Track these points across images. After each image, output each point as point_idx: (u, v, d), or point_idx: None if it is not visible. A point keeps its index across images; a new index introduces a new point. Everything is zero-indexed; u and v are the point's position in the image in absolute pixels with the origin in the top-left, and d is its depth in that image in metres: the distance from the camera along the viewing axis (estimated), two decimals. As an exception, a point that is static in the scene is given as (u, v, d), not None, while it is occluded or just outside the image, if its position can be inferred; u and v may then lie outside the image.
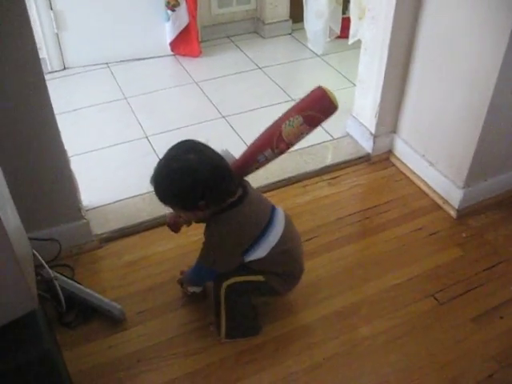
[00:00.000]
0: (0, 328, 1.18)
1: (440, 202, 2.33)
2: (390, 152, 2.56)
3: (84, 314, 1.89)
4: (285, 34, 3.59)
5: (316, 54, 3.37)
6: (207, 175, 1.51)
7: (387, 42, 2.24)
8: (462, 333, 1.85)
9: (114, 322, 1.86)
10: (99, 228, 2.15)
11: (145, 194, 2.28)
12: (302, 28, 3.44)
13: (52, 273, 1.87)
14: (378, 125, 2.46)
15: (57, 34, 3.09)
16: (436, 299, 1.95)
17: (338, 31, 3.30)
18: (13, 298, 1.19)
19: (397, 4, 2.15)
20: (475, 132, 2.08)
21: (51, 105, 1.76)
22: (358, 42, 2.73)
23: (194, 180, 1.51)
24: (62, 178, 1.94)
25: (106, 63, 3.21)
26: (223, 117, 2.77)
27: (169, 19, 3.09)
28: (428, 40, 2.20)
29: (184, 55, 3.27)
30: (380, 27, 2.26)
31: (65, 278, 1.93)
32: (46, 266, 1.86)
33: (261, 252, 1.64)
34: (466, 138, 2.14)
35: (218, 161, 1.56)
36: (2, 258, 1.13)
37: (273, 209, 1.70)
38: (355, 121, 2.60)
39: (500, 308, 1.93)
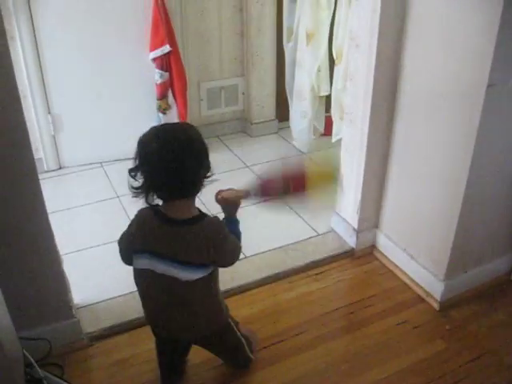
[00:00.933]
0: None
1: (423, 294, 2.39)
2: (374, 246, 2.65)
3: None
4: (271, 133, 3.76)
5: (302, 152, 3.52)
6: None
7: (365, 142, 2.38)
8: (448, 429, 1.88)
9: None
10: (90, 326, 2.19)
11: (135, 291, 2.34)
12: (288, 126, 3.61)
13: (41, 372, 1.89)
14: (360, 221, 2.56)
15: (53, 136, 3.24)
16: (421, 395, 1.98)
17: (321, 129, 3.47)
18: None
19: (372, 109, 2.31)
20: (451, 226, 2.17)
21: (45, 208, 1.86)
22: (341, 139, 2.86)
23: (204, 142, 1.73)
24: (53, 279, 2.01)
25: (100, 162, 3.35)
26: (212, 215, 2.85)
27: (160, 121, 3.23)
28: (402, 140, 2.34)
29: (176, 153, 3.39)
30: (358, 129, 2.40)
31: (54, 378, 1.95)
32: (36, 365, 1.89)
33: None
34: (443, 231, 2.23)
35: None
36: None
37: None
38: (339, 217, 2.70)
39: (485, 401, 1.96)
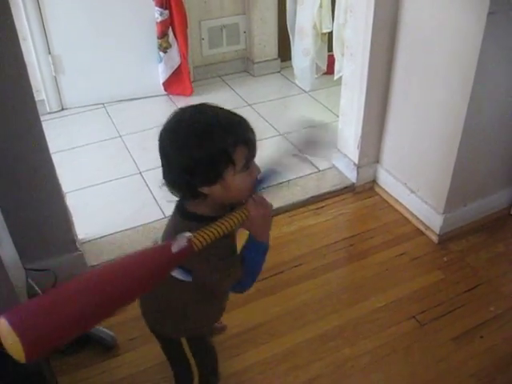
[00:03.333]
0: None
1: (422, 227, 2.41)
2: (374, 182, 2.66)
3: (78, 341, 1.95)
4: (274, 72, 3.73)
5: (304, 91, 3.49)
6: None
7: (365, 76, 2.36)
8: (443, 352, 1.92)
9: (106, 348, 1.92)
10: (94, 259, 2.24)
11: (138, 226, 2.38)
12: (290, 66, 3.58)
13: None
14: (360, 156, 2.56)
15: (55, 77, 3.22)
16: (417, 321, 2.02)
17: (324, 68, 3.43)
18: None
19: (372, 41, 2.28)
20: (451, 158, 2.18)
21: (46, 144, 1.87)
22: (343, 77, 2.85)
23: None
24: (56, 213, 2.04)
25: (102, 103, 3.34)
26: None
27: (161, 61, 3.23)
28: (403, 74, 2.32)
29: (177, 94, 3.39)
30: (358, 63, 2.38)
31: (59, 308, 2.01)
32: (41, 293, 1.94)
33: None
34: (442, 164, 2.23)
35: None
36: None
37: None
38: (340, 153, 2.71)
39: (480, 328, 2.00)
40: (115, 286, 1.09)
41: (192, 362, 1.55)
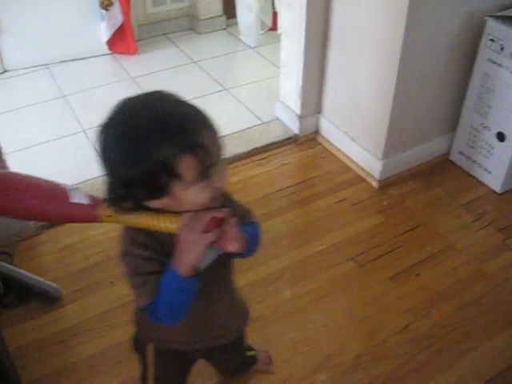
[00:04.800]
0: None
1: (363, 174, 2.46)
2: (316, 132, 2.69)
3: (22, 295, 1.96)
4: (219, 30, 3.70)
5: (249, 47, 3.49)
6: None
7: (303, 26, 2.37)
8: (380, 290, 1.98)
9: (50, 300, 1.93)
10: (37, 216, 2.23)
11: (83, 181, 2.37)
12: (236, 23, 3.56)
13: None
14: (302, 106, 2.58)
15: (-5, 39, 3.16)
16: (356, 262, 2.08)
17: (269, 23, 3.44)
18: None
19: (309, -10, 2.29)
20: (387, 106, 2.22)
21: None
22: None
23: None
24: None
25: (45, 65, 3.27)
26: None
27: (103, 19, 3.18)
28: (339, 22, 2.35)
29: (121, 53, 3.35)
30: (296, 13, 2.39)
31: (2, 262, 2.00)
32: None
33: None
34: (380, 112, 2.27)
35: None
36: None
37: None
38: (282, 104, 2.73)
39: (416, 266, 2.07)
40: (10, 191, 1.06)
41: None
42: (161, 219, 1.01)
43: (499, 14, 2.18)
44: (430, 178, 2.48)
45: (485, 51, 2.24)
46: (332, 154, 2.60)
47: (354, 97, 2.40)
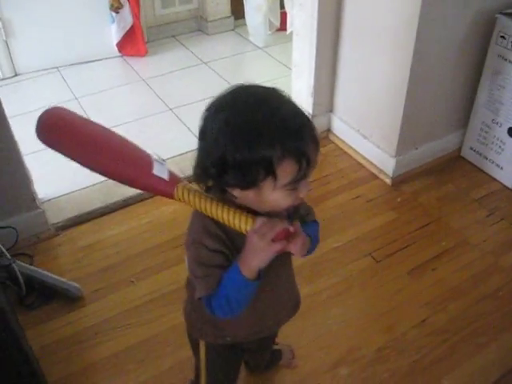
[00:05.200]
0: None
1: (376, 171, 2.49)
2: (329, 130, 2.72)
3: (43, 295, 1.99)
4: (228, 31, 3.74)
5: (258, 47, 3.53)
6: None
7: (315, 26, 2.39)
8: (398, 285, 2.01)
9: (72, 300, 1.96)
10: (55, 218, 2.26)
11: (96, 184, 2.40)
12: (244, 24, 3.59)
13: (11, 259, 1.97)
14: (314, 105, 2.61)
15: (6, 42, 3.18)
16: (373, 258, 2.10)
17: (277, 24, 3.47)
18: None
19: (321, -10, 2.32)
20: (400, 103, 2.24)
21: (2, 107, 1.89)
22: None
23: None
24: (16, 172, 2.05)
25: (57, 67, 3.31)
26: (170, 109, 2.90)
27: (114, 21, 3.21)
28: (351, 21, 2.37)
29: (131, 55, 3.39)
30: (308, 13, 2.41)
31: (23, 264, 2.03)
32: (5, 251, 1.96)
33: None
34: (392, 109, 2.30)
35: None
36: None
37: None
38: (294, 103, 2.74)
39: (432, 261, 2.10)
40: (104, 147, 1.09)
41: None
42: (236, 216, 1.02)
43: (510, 11, 2.21)
44: (442, 175, 2.51)
45: (495, 48, 2.27)
46: (345, 152, 2.63)
47: (367, 95, 2.42)
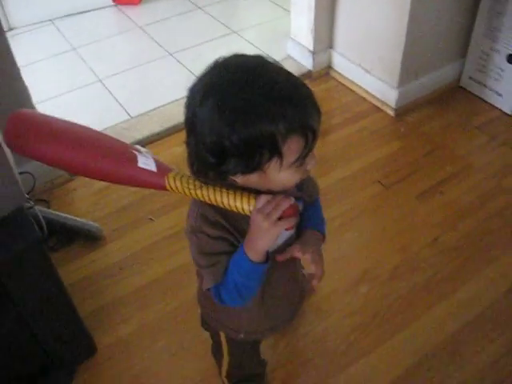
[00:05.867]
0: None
1: (379, 104, 2.54)
2: (330, 67, 2.75)
3: (65, 236, 2.04)
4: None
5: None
6: None
7: (314, -40, 2.41)
8: (408, 209, 2.08)
9: (93, 240, 2.01)
10: (67, 163, 2.29)
11: (105, 129, 2.42)
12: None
13: (32, 202, 2.01)
14: (315, 42, 2.63)
15: (-2, -4, 3.15)
16: (382, 184, 2.17)
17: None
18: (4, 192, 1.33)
19: None
20: (401, 35, 2.28)
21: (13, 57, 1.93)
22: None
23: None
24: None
25: (51, 20, 3.28)
26: (170, 54, 2.91)
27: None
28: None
29: (125, 3, 3.37)
30: None
31: (42, 208, 2.07)
32: (26, 194, 2.00)
33: None
34: (393, 41, 2.33)
35: None
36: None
37: None
38: (294, 42, 2.77)
39: (439, 185, 2.17)
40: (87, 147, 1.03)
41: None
42: (236, 198, 0.96)
43: None
44: (443, 104, 2.56)
45: (493, -26, 2.30)
46: (347, 88, 2.66)
47: (367, 29, 2.45)
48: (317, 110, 0.92)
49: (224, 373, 1.50)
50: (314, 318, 1.75)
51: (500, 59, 2.41)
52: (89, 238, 2.03)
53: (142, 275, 1.90)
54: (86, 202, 2.19)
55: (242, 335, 1.28)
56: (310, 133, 0.89)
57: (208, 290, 1.07)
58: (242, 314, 1.22)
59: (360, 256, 1.93)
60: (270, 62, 0.92)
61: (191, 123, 0.91)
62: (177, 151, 2.32)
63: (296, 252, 1.04)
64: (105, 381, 1.63)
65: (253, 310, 1.17)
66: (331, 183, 2.17)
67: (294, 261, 1.18)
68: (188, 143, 0.94)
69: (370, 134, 2.41)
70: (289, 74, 0.92)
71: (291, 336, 1.71)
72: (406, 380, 1.59)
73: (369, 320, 1.74)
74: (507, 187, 2.15)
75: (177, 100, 2.50)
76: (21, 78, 2.00)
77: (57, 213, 2.07)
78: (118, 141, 1.08)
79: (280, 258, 1.06)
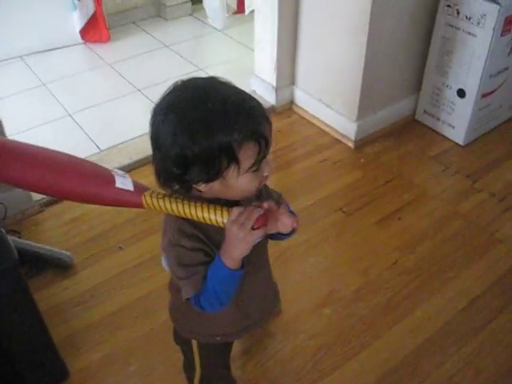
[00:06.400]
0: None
1: (339, 137, 2.66)
2: (292, 102, 2.88)
3: (37, 265, 2.07)
4: (186, 15, 3.85)
5: (217, 30, 3.65)
6: None
7: (276, 2, 2.54)
8: (369, 234, 2.19)
9: (64, 268, 2.05)
10: (38, 195, 2.33)
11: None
12: (202, 8, 3.71)
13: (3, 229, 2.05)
14: (278, 78, 2.76)
15: (-35, 32, 3.19)
16: (344, 212, 2.28)
17: (234, 6, 3.60)
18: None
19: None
20: (358, 70, 2.42)
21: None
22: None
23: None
24: None
25: (20, 56, 3.34)
26: (138, 90, 3.01)
27: (76, 8, 3.27)
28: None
29: (94, 42, 3.46)
30: (268, -11, 2.57)
31: (13, 237, 2.11)
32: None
33: None
34: (352, 77, 2.48)
35: None
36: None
37: None
38: (258, 78, 2.90)
39: (398, 212, 2.29)
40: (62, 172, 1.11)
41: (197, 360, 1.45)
42: (210, 211, 1.04)
43: (453, -20, 2.41)
44: (400, 136, 2.71)
45: (443, 16, 2.47)
46: (308, 121, 2.79)
47: (327, 66, 2.59)
48: (266, 119, 1.03)
49: None
50: (281, 339, 1.82)
51: (451, 94, 2.57)
52: (60, 266, 2.06)
53: (112, 301, 1.94)
54: (56, 232, 2.23)
55: (218, 338, 1.35)
56: (262, 139, 1.00)
57: (187, 300, 1.13)
58: (218, 318, 1.27)
59: (324, 279, 2.01)
60: (222, 82, 1.04)
61: (156, 139, 1.02)
62: (147, 181, 2.39)
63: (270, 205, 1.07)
64: (77, 405, 1.67)
65: (229, 312, 1.23)
66: (296, 211, 2.24)
67: (267, 262, 1.35)
68: (154, 158, 1.05)
69: (331, 165, 2.52)
70: (239, 90, 1.04)
71: (260, 356, 1.77)
72: (370, 395, 1.67)
73: (333, 340, 1.81)
74: (461, 212, 2.28)
75: (145, 134, 2.52)
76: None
77: (28, 242, 2.11)
78: (96, 164, 1.17)
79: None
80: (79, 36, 3.42)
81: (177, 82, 1.05)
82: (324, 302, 1.93)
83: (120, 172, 1.14)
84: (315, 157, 2.56)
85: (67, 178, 1.10)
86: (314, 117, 2.77)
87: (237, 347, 1.76)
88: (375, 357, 1.76)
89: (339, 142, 2.66)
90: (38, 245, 2.09)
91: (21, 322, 1.52)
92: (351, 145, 2.62)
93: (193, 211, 1.05)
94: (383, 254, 2.10)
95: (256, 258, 1.18)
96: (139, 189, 1.12)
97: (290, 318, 1.88)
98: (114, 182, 1.10)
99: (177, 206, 1.06)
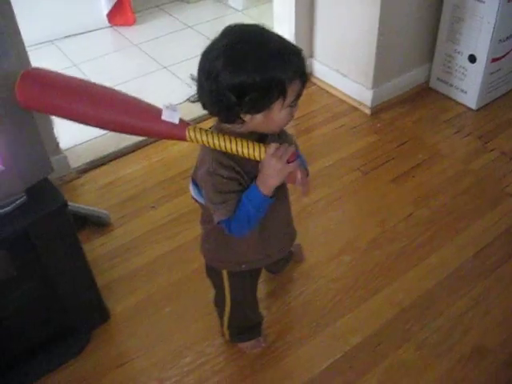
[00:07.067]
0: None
1: (356, 104, 2.80)
2: (311, 74, 3.01)
3: (77, 223, 2.24)
4: (207, -2, 4.03)
5: (237, 10, 3.81)
6: None
7: (293, -23, 2.69)
8: (384, 190, 2.33)
9: (102, 225, 2.21)
10: (76, 162, 2.50)
11: (108, 133, 2.64)
12: (223, -9, 3.88)
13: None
14: (297, 51, 2.89)
15: None
16: (361, 171, 2.42)
17: (254, -12, 3.75)
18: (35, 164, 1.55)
19: None
20: (372, 40, 2.55)
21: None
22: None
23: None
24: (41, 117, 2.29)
25: (50, 40, 3.52)
26: (165, 67, 3.17)
27: (102, -6, 3.45)
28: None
29: (120, 25, 3.63)
30: (285, -34, 2.71)
31: (55, 199, 2.28)
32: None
33: None
34: (367, 47, 2.60)
35: None
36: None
37: None
38: (278, 52, 3.03)
39: (412, 170, 2.42)
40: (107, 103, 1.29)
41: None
42: (249, 146, 1.18)
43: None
44: (414, 103, 2.83)
45: (452, -15, 2.59)
46: (327, 91, 2.93)
47: (342, 38, 2.72)
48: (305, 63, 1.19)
49: (226, 323, 1.71)
50: (303, 283, 1.97)
51: (462, 60, 2.68)
52: (99, 224, 2.23)
53: (146, 254, 2.10)
54: (93, 195, 2.39)
55: (243, 266, 1.50)
56: (305, 78, 1.17)
57: (219, 223, 1.28)
58: (243, 246, 1.44)
59: (342, 231, 2.16)
60: (268, 28, 1.18)
61: (210, 72, 1.13)
62: (174, 149, 2.55)
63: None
64: (117, 343, 1.83)
65: (252, 238, 1.40)
66: (316, 171, 2.40)
67: (287, 196, 1.51)
68: (202, 91, 1.18)
69: (349, 130, 2.66)
70: (281, 36, 1.18)
71: (284, 299, 1.92)
72: (389, 328, 1.81)
73: (351, 284, 1.96)
74: (473, 170, 2.40)
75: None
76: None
77: (69, 202, 2.28)
78: (141, 100, 1.29)
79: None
80: (106, 20, 3.59)
81: (226, 27, 1.19)
82: (342, 250, 2.07)
83: (171, 105, 1.21)
84: (333, 123, 2.70)
85: (115, 107, 1.27)
86: (331, 87, 2.90)
87: (263, 290, 1.93)
88: (391, 298, 1.90)
89: (356, 109, 2.79)
90: (79, 205, 2.26)
91: (68, 261, 1.66)
92: (368, 111, 2.75)
93: (233, 145, 1.18)
94: (398, 207, 2.24)
95: (281, 190, 1.34)
96: (183, 123, 1.22)
97: (311, 265, 2.03)
98: (160, 114, 1.20)
99: (218, 139, 1.19)
